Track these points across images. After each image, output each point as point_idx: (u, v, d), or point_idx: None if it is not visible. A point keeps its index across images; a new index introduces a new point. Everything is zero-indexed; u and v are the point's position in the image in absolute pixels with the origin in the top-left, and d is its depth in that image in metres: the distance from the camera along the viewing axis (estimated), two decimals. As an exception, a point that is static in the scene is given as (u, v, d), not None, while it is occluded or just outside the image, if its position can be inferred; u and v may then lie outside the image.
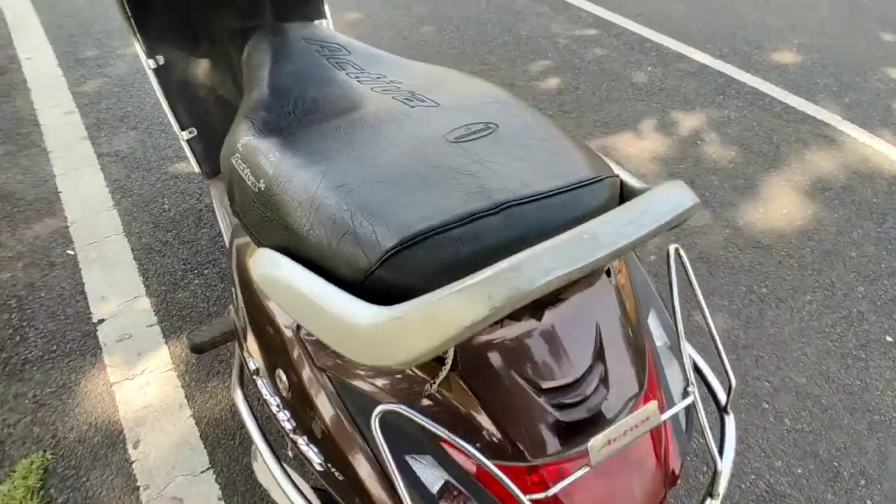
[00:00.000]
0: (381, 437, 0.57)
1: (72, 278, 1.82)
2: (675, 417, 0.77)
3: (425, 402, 0.68)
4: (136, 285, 1.80)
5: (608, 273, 0.76)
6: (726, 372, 0.75)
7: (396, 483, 0.57)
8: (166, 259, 1.88)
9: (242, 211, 0.82)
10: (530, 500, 0.59)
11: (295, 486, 0.77)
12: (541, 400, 0.65)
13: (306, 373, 0.75)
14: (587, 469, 0.63)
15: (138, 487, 1.33)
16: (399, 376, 0.70)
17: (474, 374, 0.66)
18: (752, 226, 2.11)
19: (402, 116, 0.84)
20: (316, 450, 0.76)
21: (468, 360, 0.66)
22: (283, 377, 0.80)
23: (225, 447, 1.41)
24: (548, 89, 2.90)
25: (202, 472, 1.36)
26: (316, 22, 1.59)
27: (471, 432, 0.66)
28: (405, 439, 0.68)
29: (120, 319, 1.71)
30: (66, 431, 1.44)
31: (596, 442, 0.61)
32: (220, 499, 1.31)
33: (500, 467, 0.59)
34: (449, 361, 0.64)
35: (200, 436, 1.43)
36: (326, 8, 1.61)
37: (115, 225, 2.01)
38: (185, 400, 1.51)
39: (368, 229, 0.62)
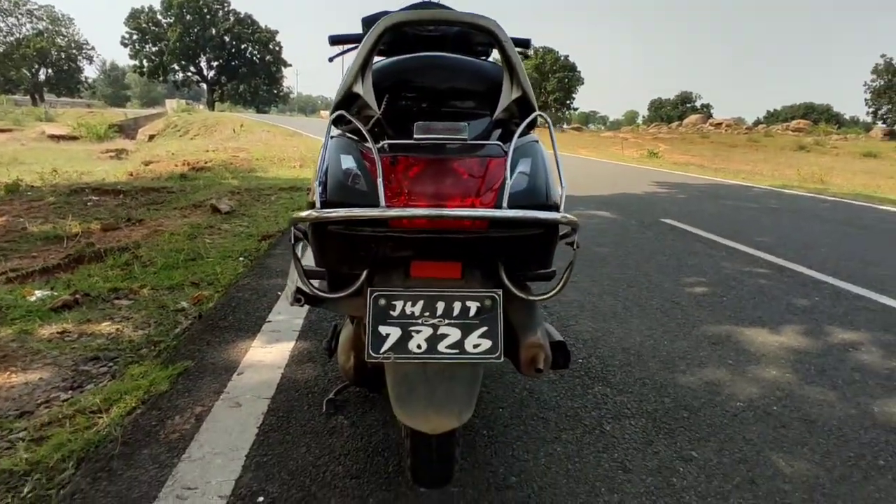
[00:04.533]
0: (329, 132, 1.04)
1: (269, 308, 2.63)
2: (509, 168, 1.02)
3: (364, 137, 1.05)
4: (295, 332, 2.48)
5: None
6: (561, 181, 1.04)
7: (319, 165, 1.01)
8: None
9: None
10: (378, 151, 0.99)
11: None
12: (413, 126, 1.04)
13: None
14: (413, 143, 1.01)
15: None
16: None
17: (388, 123, 1.12)
18: (893, 415, 1.78)
19: None
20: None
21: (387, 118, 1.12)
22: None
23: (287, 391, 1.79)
24: (691, 292, 3.05)
25: (265, 397, 1.75)
26: None
27: (374, 140, 1.03)
28: (342, 146, 1.09)
29: (276, 326, 2.37)
30: (213, 354, 2.04)
31: (419, 124, 0.99)
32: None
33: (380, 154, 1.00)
34: (379, 111, 1.09)
35: (280, 380, 1.86)
36: None
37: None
38: (280, 369, 1.98)
39: None
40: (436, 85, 1.19)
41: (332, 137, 1.13)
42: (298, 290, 1.16)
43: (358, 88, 1.06)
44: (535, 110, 1.16)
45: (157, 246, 4.04)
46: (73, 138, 21.86)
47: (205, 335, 2.29)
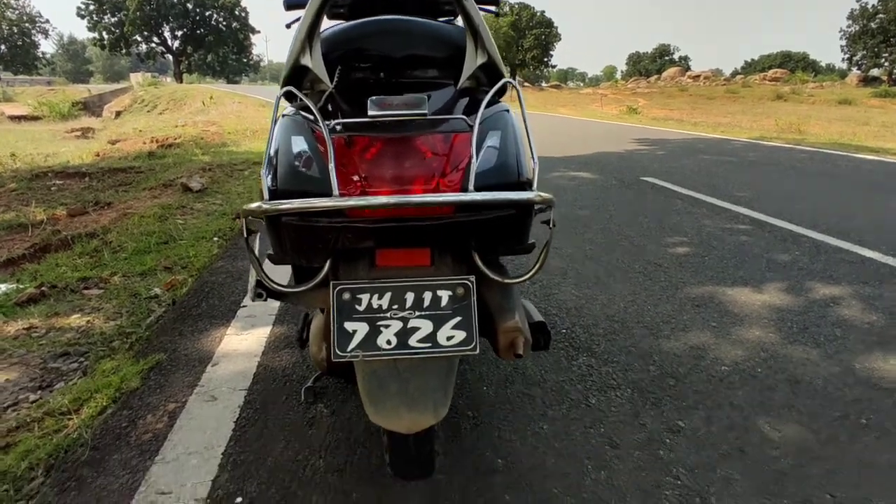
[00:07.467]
0: (277, 109, 0.94)
1: (244, 291, 2.54)
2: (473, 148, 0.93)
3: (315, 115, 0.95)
4: (271, 317, 2.38)
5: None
6: (532, 155, 0.97)
7: (270, 147, 0.93)
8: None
9: None
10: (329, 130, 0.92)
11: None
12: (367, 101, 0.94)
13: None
14: (368, 121, 0.92)
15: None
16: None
17: (342, 99, 1.04)
18: (873, 371, 1.79)
19: None
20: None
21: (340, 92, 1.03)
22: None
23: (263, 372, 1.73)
24: (673, 253, 3.03)
25: (241, 389, 1.69)
26: None
27: (326, 118, 0.96)
28: (293, 126, 1.00)
29: (251, 311, 2.29)
30: (186, 344, 1.96)
31: (373, 99, 0.90)
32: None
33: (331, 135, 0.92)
34: (332, 85, 1.00)
35: (256, 370, 1.80)
36: None
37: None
38: (257, 357, 1.91)
39: None
40: (392, 53, 1.09)
41: (283, 115, 1.04)
42: (259, 284, 1.09)
43: (306, 60, 0.96)
44: (503, 76, 1.07)
45: (126, 230, 3.89)
46: (35, 118, 20.96)
47: (177, 324, 2.21)
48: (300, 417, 1.55)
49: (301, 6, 1.64)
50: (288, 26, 1.91)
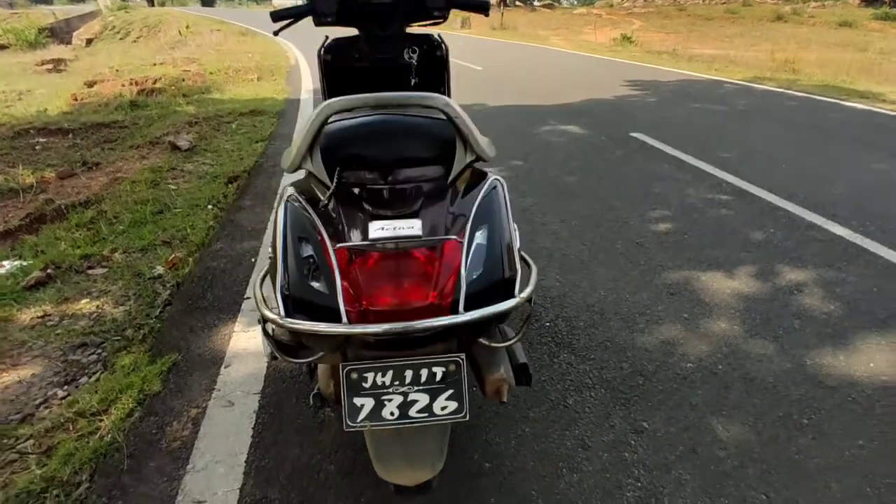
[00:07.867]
0: (283, 212, 1.06)
1: (246, 279, 2.68)
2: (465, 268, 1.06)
3: (320, 217, 1.11)
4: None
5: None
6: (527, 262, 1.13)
7: (279, 241, 1.05)
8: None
9: None
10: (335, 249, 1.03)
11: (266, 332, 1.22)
12: (369, 223, 1.07)
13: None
14: (369, 244, 1.04)
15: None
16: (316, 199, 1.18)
17: (342, 202, 1.14)
18: (821, 367, 2.00)
19: None
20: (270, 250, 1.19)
21: (340, 194, 1.14)
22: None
23: (272, 381, 1.91)
24: (655, 230, 3.17)
25: (255, 393, 1.88)
26: None
27: (330, 226, 1.10)
28: (299, 226, 1.12)
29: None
30: (198, 342, 2.12)
31: (373, 224, 1.03)
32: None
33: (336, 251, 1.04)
34: (332, 187, 1.11)
35: (266, 371, 1.98)
36: None
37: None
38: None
39: None
40: (387, 157, 1.19)
41: (287, 201, 1.14)
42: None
43: (307, 166, 1.07)
44: (487, 159, 1.18)
45: (119, 198, 3.95)
46: (2, 47, 19.88)
47: (186, 318, 2.36)
48: (311, 421, 1.75)
49: (286, 17, 1.73)
50: (275, 33, 1.94)
